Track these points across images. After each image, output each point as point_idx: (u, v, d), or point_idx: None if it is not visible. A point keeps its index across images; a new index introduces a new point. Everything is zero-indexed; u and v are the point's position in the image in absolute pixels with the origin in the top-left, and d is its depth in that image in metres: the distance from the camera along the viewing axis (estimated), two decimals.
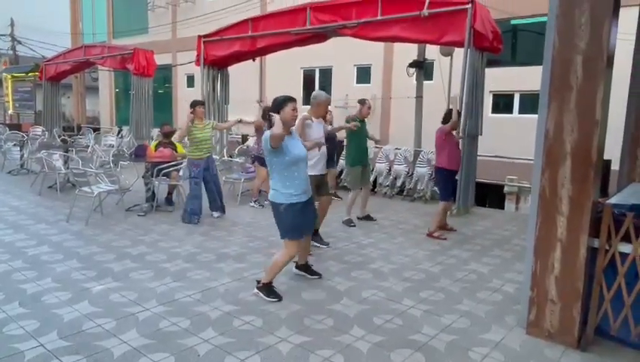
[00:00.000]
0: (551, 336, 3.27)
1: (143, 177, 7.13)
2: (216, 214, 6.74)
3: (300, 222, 3.82)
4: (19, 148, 11.19)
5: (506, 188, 10.63)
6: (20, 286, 4.02)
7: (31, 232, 5.73)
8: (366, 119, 6.56)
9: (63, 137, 13.00)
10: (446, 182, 6.06)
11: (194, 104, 6.36)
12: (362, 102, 6.51)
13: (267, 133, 3.64)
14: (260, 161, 7.60)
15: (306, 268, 4.45)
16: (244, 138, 12.56)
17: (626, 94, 5.05)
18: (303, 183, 3.82)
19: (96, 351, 3.00)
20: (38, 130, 14.04)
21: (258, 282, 4.00)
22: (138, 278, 4.30)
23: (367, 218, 6.76)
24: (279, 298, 3.87)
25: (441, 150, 5.98)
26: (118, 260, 4.78)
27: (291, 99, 3.79)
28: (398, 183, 8.98)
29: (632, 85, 5.00)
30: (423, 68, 10.45)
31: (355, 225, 6.42)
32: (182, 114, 19.15)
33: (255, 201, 7.58)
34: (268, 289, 3.91)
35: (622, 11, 3.18)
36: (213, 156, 6.88)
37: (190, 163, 6.45)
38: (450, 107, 6.38)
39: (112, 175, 6.80)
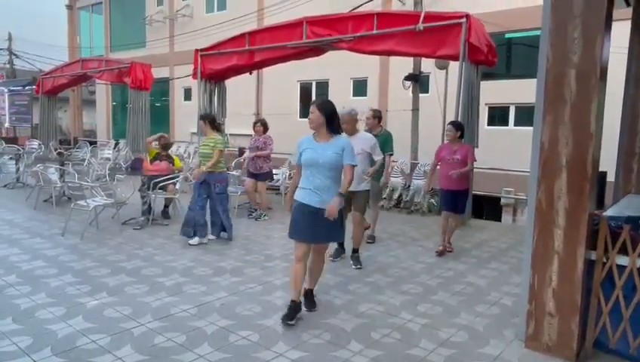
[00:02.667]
0: (549, 350, 3.25)
1: (139, 190, 7.11)
2: (210, 237, 6.19)
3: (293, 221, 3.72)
4: (14, 162, 11.16)
5: (502, 200, 10.65)
6: (13, 302, 3.97)
7: (25, 246, 5.69)
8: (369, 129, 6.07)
9: (59, 150, 12.99)
10: (440, 197, 6.13)
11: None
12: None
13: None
14: (250, 175, 7.61)
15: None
16: (241, 151, 12.58)
17: (619, 106, 5.09)
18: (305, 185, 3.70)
19: None
20: (35, 143, 14.01)
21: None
22: (133, 293, 4.26)
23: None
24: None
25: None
26: (113, 274, 4.74)
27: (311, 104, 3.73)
28: (395, 196, 8.98)
29: (625, 97, 5.04)
30: (418, 81, 10.55)
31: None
32: (179, 127, 19.24)
33: (262, 213, 7.55)
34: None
35: (614, 25, 3.22)
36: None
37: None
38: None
39: (108, 188, 6.77)
